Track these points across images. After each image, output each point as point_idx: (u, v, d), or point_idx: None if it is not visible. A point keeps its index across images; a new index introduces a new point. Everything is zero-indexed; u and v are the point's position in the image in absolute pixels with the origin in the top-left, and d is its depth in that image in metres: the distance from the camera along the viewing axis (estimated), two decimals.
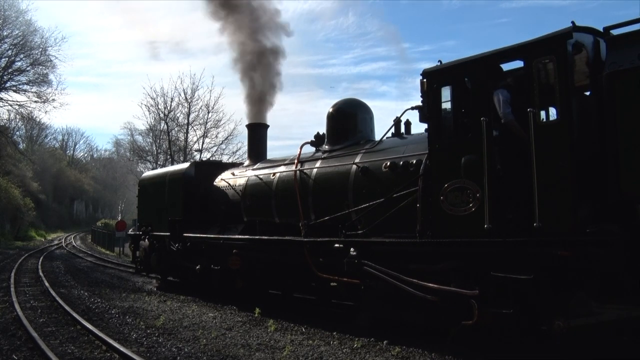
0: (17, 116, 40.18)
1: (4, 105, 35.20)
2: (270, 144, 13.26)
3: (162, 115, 33.52)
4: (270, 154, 11.98)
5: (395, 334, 7.10)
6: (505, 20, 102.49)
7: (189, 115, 33.09)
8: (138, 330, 8.12)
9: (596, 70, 5.70)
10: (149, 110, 34.08)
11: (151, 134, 35.50)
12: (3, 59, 34.16)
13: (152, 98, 33.57)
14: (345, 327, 7.83)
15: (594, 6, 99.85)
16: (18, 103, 34.99)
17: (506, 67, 6.57)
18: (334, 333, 7.66)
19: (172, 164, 29.80)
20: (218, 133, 32.65)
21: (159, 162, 33.41)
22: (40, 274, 16.22)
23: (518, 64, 6.36)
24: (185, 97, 32.98)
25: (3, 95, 34.54)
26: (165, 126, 33.57)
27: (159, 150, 34.82)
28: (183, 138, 33.55)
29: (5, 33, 33.67)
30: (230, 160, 20.18)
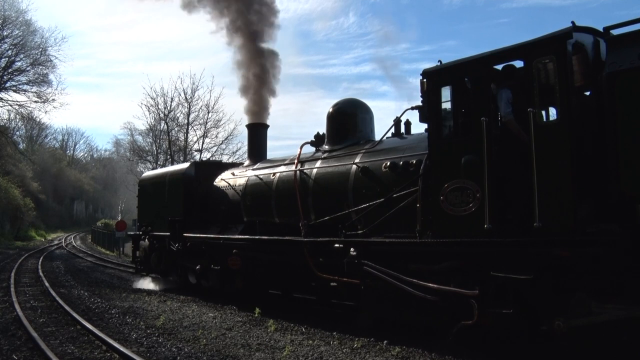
0: (17, 116, 40.38)
1: (4, 105, 35.35)
2: (270, 144, 13.29)
3: (162, 115, 33.53)
4: (270, 154, 12.02)
5: (395, 334, 7.10)
6: (506, 20, 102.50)
7: (189, 115, 33.12)
8: (138, 330, 8.13)
9: (596, 70, 5.71)
10: (149, 110, 34.08)
11: (151, 134, 35.49)
12: (3, 59, 34.29)
13: (152, 98, 33.59)
14: (345, 327, 7.83)
15: (594, 6, 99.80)
16: (18, 103, 35.13)
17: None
18: (334, 333, 7.66)
19: (172, 164, 29.80)
20: (218, 133, 32.69)
21: (159, 162, 33.40)
22: (40, 274, 16.25)
23: (518, 64, 6.36)
24: (185, 97, 33.01)
25: (3, 95, 34.66)
26: (165, 126, 33.59)
27: (159, 150, 34.81)
28: (183, 138, 33.58)
29: (5, 33, 33.77)
30: (230, 160, 20.18)
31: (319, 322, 8.41)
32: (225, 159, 30.26)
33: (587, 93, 6.04)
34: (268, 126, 12.39)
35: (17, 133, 50.57)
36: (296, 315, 9.07)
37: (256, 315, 9.18)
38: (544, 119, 5.92)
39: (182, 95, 33.12)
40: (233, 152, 32.05)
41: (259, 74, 12.36)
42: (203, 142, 32.97)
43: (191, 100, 32.98)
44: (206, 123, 32.74)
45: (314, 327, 8.16)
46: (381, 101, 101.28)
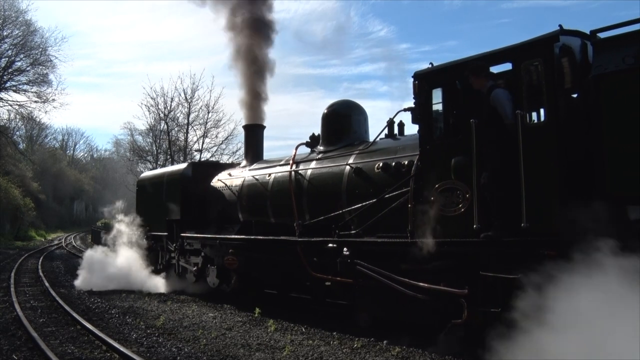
0: (17, 116, 40.34)
1: (4, 105, 35.32)
2: (271, 144, 13.38)
3: (162, 115, 33.61)
4: (271, 154, 12.19)
5: (395, 334, 7.09)
6: (507, 20, 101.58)
7: (189, 115, 33.20)
8: (138, 330, 8.17)
9: (584, 73, 5.79)
10: (149, 110, 34.15)
11: (151, 134, 35.58)
12: (3, 59, 34.21)
13: (152, 98, 33.66)
14: (345, 327, 7.84)
15: (595, 7, 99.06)
16: (18, 103, 35.11)
17: (496, 69, 6.66)
18: (334, 333, 7.66)
19: (172, 164, 29.87)
20: (218, 133, 32.81)
21: (159, 162, 33.47)
22: (40, 274, 16.23)
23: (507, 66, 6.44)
24: (185, 97, 33.08)
25: (3, 95, 34.64)
26: (165, 126, 33.67)
27: (159, 150, 34.89)
28: (183, 138, 33.68)
29: (5, 33, 33.74)
30: (230, 160, 20.28)
31: (319, 322, 8.43)
32: (225, 159, 30.36)
33: (575, 95, 6.12)
34: (264, 127, 12.52)
35: (17, 133, 50.58)
36: (296, 315, 9.09)
37: (256, 315, 9.19)
38: (534, 121, 6.01)
39: (182, 95, 33.22)
40: (233, 152, 32.11)
41: (255, 74, 12.44)
42: (203, 142, 33.10)
43: (191, 100, 33.08)
44: (206, 123, 32.87)
45: (314, 327, 8.16)
46: (382, 101, 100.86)
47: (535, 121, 5.91)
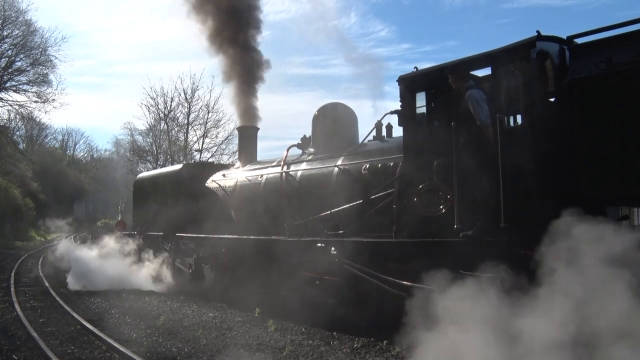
0: (17, 116, 40.34)
1: (4, 105, 35.21)
2: (271, 144, 13.53)
3: (162, 115, 33.83)
4: (270, 154, 12.43)
5: (395, 334, 6.87)
6: (507, 20, 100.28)
7: (189, 115, 33.44)
8: (138, 330, 8.19)
9: (562, 78, 5.97)
10: (149, 110, 34.42)
11: (151, 134, 35.79)
12: (3, 59, 34.07)
13: (152, 98, 33.87)
14: (345, 327, 7.71)
15: (595, 7, 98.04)
16: (18, 103, 35.01)
17: (479, 74, 6.85)
18: (334, 333, 7.65)
19: (172, 164, 30.05)
20: (218, 133, 33.02)
21: (159, 162, 33.64)
22: (40, 273, 16.26)
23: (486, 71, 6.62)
24: (185, 97, 33.30)
25: (3, 95, 34.55)
26: (165, 126, 33.88)
27: (159, 150, 35.08)
28: (183, 138, 33.88)
29: (5, 33, 33.69)
30: (230, 161, 20.51)
31: (319, 322, 8.28)
32: (225, 159, 30.61)
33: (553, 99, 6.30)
34: (258, 128, 12.75)
35: (17, 133, 50.58)
36: (296, 315, 8.83)
37: (256, 315, 9.19)
38: (510, 124, 6.20)
39: (182, 95, 33.46)
40: (233, 152, 32.22)
41: (246, 76, 12.60)
42: (203, 142, 33.32)
43: (191, 100, 33.30)
44: (206, 123, 33.13)
45: (314, 327, 8.10)
46: (381, 102, 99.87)
47: (519, 124, 6.10)
